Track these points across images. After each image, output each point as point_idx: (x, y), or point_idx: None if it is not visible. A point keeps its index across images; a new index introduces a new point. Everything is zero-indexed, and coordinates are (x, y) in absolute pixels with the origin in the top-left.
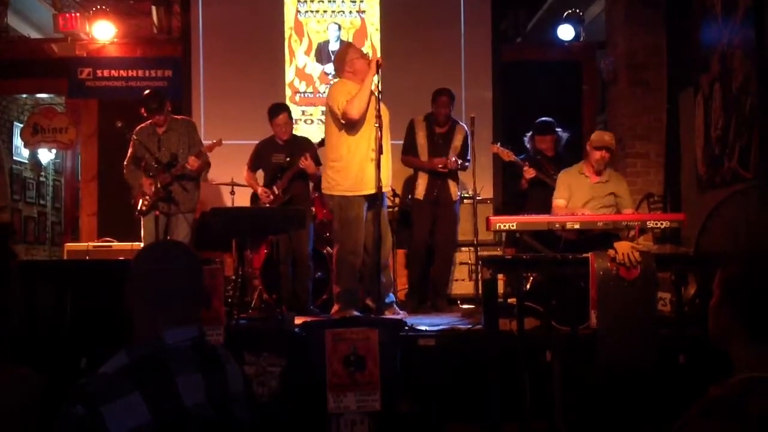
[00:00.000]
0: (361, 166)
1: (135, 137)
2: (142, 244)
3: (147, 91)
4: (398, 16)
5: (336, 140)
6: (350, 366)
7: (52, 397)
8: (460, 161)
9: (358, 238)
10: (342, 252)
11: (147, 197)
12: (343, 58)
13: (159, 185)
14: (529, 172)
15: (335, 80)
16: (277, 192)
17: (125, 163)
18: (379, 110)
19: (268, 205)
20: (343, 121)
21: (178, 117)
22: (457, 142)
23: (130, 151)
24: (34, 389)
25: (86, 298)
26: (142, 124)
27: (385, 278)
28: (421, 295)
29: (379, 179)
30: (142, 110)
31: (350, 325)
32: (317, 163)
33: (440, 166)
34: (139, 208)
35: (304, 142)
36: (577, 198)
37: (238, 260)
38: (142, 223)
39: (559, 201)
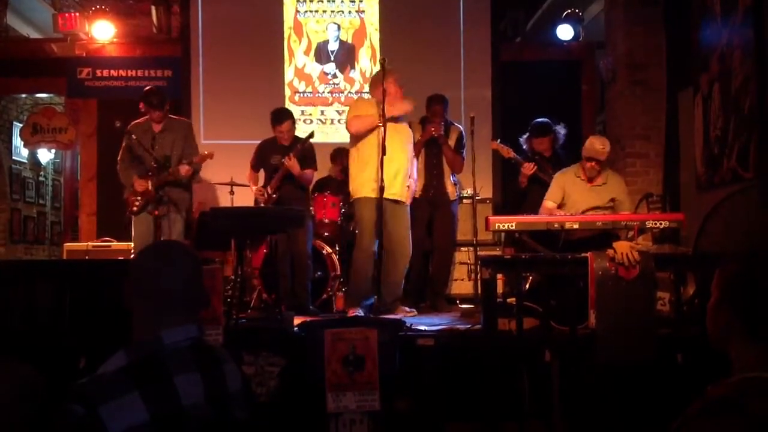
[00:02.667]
0: (372, 170)
1: (130, 131)
2: (132, 244)
3: (149, 87)
4: (397, 15)
5: (352, 146)
6: (349, 366)
7: (51, 397)
8: (442, 132)
9: (366, 237)
10: (354, 251)
11: (139, 198)
12: (380, 80)
13: (151, 187)
14: (529, 168)
15: (366, 96)
16: (270, 192)
17: (119, 158)
18: (383, 111)
19: (263, 205)
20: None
21: (176, 117)
22: (452, 141)
23: (123, 146)
24: (35, 388)
25: (85, 298)
26: (138, 120)
27: (394, 279)
28: (416, 294)
29: (381, 180)
30: (141, 105)
31: (349, 325)
32: (305, 163)
33: (432, 129)
34: (131, 208)
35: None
36: (574, 202)
37: (237, 260)
38: (133, 223)
39: (548, 203)
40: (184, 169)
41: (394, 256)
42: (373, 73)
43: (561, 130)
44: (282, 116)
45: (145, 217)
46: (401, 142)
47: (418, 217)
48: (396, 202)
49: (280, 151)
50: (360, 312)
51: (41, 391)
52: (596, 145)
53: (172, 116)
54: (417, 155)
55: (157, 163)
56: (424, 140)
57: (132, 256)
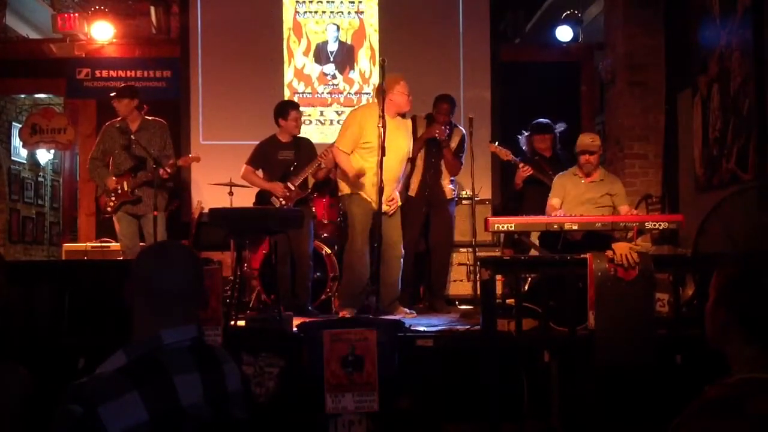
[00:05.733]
0: (369, 171)
1: (105, 130)
2: (119, 244)
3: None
4: (397, 16)
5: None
6: (348, 366)
7: (48, 396)
8: (448, 132)
9: (359, 238)
10: (346, 251)
11: (113, 198)
12: (390, 87)
13: (127, 188)
14: (526, 170)
15: (369, 100)
16: (293, 188)
17: (90, 157)
18: (383, 111)
19: (283, 201)
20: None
21: (151, 118)
22: (454, 143)
23: (97, 143)
24: (16, 383)
25: (84, 299)
26: (115, 120)
27: (391, 280)
28: (412, 294)
29: (381, 181)
30: (115, 103)
31: (348, 326)
32: (309, 161)
33: (436, 132)
34: (105, 209)
35: (307, 142)
36: (572, 198)
37: (236, 260)
38: (114, 222)
39: (553, 200)
40: (163, 172)
41: (388, 259)
42: (374, 74)
43: (560, 126)
44: (289, 105)
45: (125, 215)
46: (398, 148)
47: (414, 216)
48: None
49: (287, 147)
50: (353, 313)
51: (25, 386)
52: (585, 139)
53: (147, 117)
54: (417, 152)
55: (133, 159)
56: (426, 138)
57: (121, 255)
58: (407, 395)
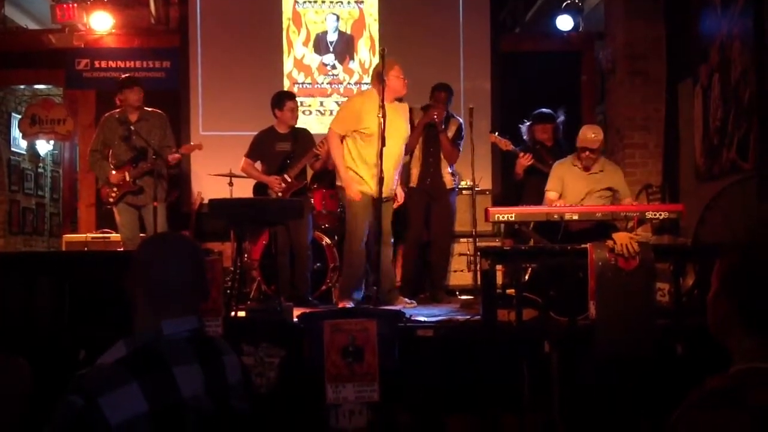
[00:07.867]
0: (369, 166)
1: (104, 121)
2: (120, 235)
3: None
4: (396, 6)
5: (348, 135)
6: (349, 357)
7: (49, 388)
8: (444, 118)
9: (360, 231)
10: (348, 244)
11: (115, 189)
12: (386, 72)
13: (128, 178)
14: (526, 159)
15: (368, 88)
16: (290, 180)
17: (91, 149)
18: (382, 101)
19: (280, 194)
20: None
21: (150, 109)
22: (451, 132)
23: (97, 135)
24: (18, 376)
25: (85, 290)
26: (114, 111)
27: (388, 268)
28: (415, 286)
29: (381, 171)
30: (117, 99)
31: (349, 316)
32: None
33: (434, 114)
34: (107, 199)
35: (305, 132)
36: (572, 190)
37: (236, 251)
38: (115, 213)
39: (550, 194)
40: (172, 157)
41: (383, 248)
42: (373, 64)
43: (561, 116)
44: (285, 95)
45: (126, 206)
46: (397, 134)
47: (415, 206)
48: (386, 199)
49: (285, 139)
50: (352, 304)
51: (28, 379)
52: (588, 134)
53: (146, 108)
54: (416, 141)
55: (133, 150)
56: (424, 123)
57: (122, 246)
58: (407, 385)
